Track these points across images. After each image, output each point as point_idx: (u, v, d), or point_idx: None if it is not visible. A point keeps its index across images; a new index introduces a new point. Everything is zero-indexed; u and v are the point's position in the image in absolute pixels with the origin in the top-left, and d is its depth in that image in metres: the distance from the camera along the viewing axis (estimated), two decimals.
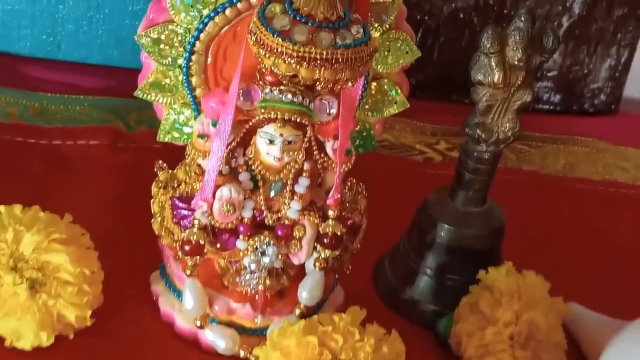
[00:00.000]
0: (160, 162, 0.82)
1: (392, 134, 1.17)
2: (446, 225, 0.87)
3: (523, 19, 0.79)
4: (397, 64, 0.81)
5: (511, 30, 0.80)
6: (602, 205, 1.15)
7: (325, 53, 0.68)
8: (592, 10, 1.26)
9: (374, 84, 0.81)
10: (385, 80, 0.82)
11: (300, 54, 0.68)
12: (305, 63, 0.68)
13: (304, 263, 0.80)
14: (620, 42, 1.32)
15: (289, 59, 0.68)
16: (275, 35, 0.68)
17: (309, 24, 0.69)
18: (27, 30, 1.17)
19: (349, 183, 0.81)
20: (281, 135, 0.73)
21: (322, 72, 0.68)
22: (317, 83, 0.70)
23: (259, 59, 0.70)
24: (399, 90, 0.82)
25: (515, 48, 0.80)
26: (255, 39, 0.69)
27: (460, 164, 0.87)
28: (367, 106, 0.82)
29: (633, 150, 1.29)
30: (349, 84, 0.71)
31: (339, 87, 0.71)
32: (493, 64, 0.80)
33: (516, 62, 0.80)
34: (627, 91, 1.39)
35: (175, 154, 0.83)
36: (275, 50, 0.68)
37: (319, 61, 0.68)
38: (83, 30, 1.18)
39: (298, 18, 0.69)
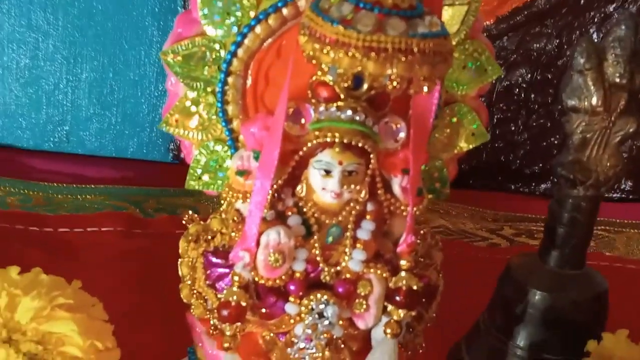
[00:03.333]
0: (191, 212, 0.68)
1: (448, 220, 1.03)
2: (539, 292, 0.74)
3: (624, 26, 0.67)
4: (474, 83, 0.67)
5: (610, 41, 0.68)
6: None
7: (398, 42, 0.54)
8: None
9: (446, 109, 0.68)
10: (462, 105, 0.68)
11: (367, 44, 0.54)
12: (373, 54, 0.54)
13: (370, 334, 0.65)
14: None
15: (354, 51, 0.54)
16: (334, 24, 0.55)
17: (375, 11, 0.55)
18: (31, 119, 1.05)
19: (421, 232, 0.66)
20: (340, 163, 0.60)
21: (394, 66, 0.54)
22: (388, 82, 0.55)
23: (314, 60, 0.57)
24: (478, 118, 0.68)
25: (616, 62, 0.67)
26: (309, 34, 0.56)
27: (551, 216, 0.74)
28: (437, 135, 0.69)
29: None
30: (425, 87, 0.57)
31: (412, 91, 0.57)
32: (590, 83, 0.68)
33: (617, 80, 0.68)
34: None
35: None
36: (335, 42, 0.55)
37: (390, 52, 0.54)
38: (95, 119, 1.05)
39: (361, 5, 0.56)
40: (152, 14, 1.05)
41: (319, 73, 0.60)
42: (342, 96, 0.60)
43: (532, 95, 1.15)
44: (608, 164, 0.70)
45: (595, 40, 1.13)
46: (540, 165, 1.15)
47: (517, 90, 1.14)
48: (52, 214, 0.95)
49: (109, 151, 1.08)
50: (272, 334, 0.65)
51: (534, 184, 1.16)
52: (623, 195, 1.21)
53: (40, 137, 1.06)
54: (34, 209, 0.95)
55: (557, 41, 1.14)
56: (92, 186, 1.00)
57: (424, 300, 0.66)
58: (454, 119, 0.68)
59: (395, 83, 0.56)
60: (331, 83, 0.61)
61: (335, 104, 0.60)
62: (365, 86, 0.61)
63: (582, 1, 1.13)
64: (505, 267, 0.77)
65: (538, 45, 1.14)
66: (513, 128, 1.16)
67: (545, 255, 0.74)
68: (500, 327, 0.76)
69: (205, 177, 0.68)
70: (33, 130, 1.06)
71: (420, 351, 0.69)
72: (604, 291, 0.74)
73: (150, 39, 1.06)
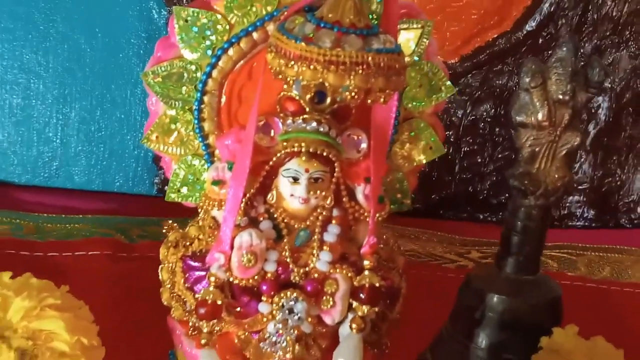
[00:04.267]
0: (170, 221, 0.73)
1: (418, 244, 1.08)
2: (496, 296, 0.77)
3: (565, 48, 0.73)
4: (430, 101, 0.73)
5: (552, 62, 0.73)
6: None
7: (355, 56, 0.60)
8: (619, 117, 1.21)
9: (405, 125, 0.73)
10: (419, 120, 0.74)
11: (327, 58, 0.60)
12: (333, 67, 0.60)
13: (338, 333, 0.69)
14: None
15: (315, 65, 0.60)
16: (298, 41, 0.61)
17: (335, 30, 0.62)
18: (23, 156, 1.10)
19: (384, 237, 0.71)
20: (306, 170, 0.65)
21: (352, 78, 0.60)
22: (347, 93, 0.61)
23: (280, 75, 0.62)
24: (434, 133, 0.74)
25: (559, 81, 0.73)
26: (276, 51, 0.62)
27: (506, 226, 0.78)
28: (397, 149, 0.74)
29: None
30: (382, 99, 0.63)
31: (370, 101, 0.63)
32: (535, 100, 0.73)
33: (560, 97, 0.73)
34: None
35: None
36: (299, 57, 0.61)
37: (348, 65, 0.60)
38: (83, 155, 1.11)
39: (322, 25, 0.62)
40: (138, 55, 1.11)
41: (286, 87, 0.66)
42: (307, 109, 0.66)
43: (497, 129, 1.19)
44: (556, 176, 0.74)
45: None
46: (507, 195, 1.18)
47: (482, 124, 1.19)
48: (42, 240, 0.99)
49: (96, 185, 1.13)
50: (246, 333, 0.69)
51: (501, 213, 1.20)
52: (586, 223, 1.25)
53: (32, 172, 1.11)
54: (25, 236, 1.00)
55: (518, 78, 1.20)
56: (81, 216, 1.05)
57: (387, 301, 0.71)
58: (412, 133, 0.74)
59: (353, 94, 0.62)
60: (297, 97, 0.67)
61: (301, 117, 0.66)
62: (329, 100, 0.67)
63: (540, 41, 1.19)
64: (465, 277, 0.81)
65: (500, 82, 1.19)
66: (480, 160, 1.20)
67: (501, 263, 0.78)
68: (462, 332, 0.79)
69: (184, 190, 0.73)
70: (25, 167, 1.11)
71: (386, 351, 0.74)
72: (557, 295, 0.78)
73: (136, 79, 1.11)
